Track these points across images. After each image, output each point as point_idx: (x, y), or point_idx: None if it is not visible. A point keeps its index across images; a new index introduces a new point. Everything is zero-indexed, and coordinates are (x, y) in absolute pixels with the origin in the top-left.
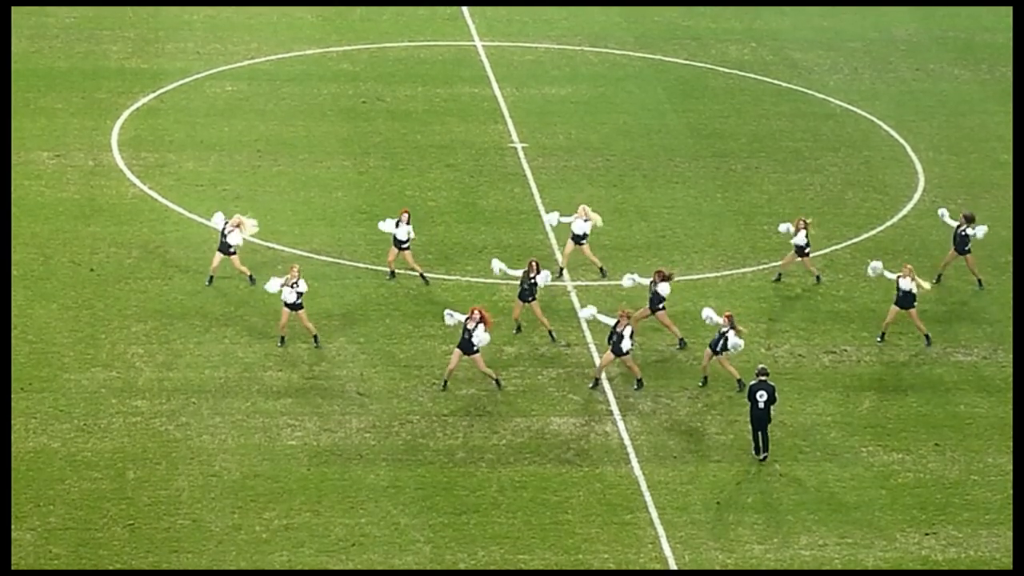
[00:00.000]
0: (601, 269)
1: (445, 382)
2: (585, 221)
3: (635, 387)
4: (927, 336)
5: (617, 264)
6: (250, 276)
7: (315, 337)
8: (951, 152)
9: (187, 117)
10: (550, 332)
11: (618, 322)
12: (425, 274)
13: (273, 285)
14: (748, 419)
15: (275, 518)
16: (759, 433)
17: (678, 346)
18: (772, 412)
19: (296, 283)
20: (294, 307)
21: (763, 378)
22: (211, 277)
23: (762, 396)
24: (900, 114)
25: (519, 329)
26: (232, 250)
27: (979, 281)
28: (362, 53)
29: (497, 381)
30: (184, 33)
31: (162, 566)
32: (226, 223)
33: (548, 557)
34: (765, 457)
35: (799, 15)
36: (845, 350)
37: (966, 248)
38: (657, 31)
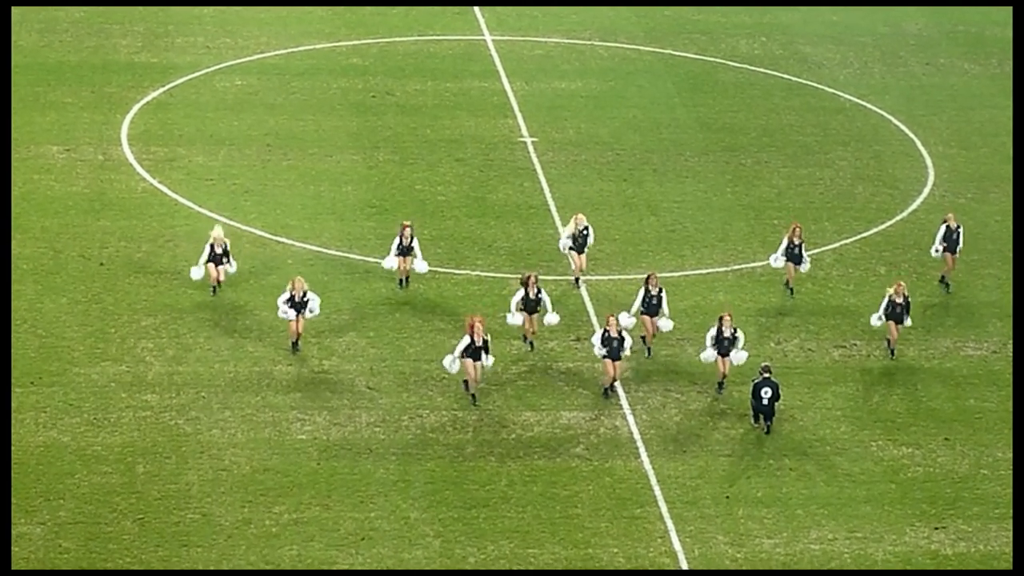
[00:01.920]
0: (576, 280)
1: (473, 396)
2: (584, 229)
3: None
4: (892, 350)
5: (628, 259)
6: (213, 287)
7: (295, 344)
8: (961, 146)
9: (197, 111)
10: (531, 341)
11: (606, 330)
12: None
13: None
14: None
15: (284, 512)
16: (761, 416)
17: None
18: (776, 407)
19: (304, 296)
20: (297, 312)
21: (767, 375)
22: (213, 287)
23: (766, 393)
24: (910, 108)
25: (527, 341)
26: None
27: (945, 283)
28: (372, 47)
29: (474, 396)
30: (194, 27)
31: (172, 560)
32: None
33: (557, 551)
34: (768, 428)
35: (809, 9)
36: (855, 344)
37: (957, 246)
38: (667, 25)
